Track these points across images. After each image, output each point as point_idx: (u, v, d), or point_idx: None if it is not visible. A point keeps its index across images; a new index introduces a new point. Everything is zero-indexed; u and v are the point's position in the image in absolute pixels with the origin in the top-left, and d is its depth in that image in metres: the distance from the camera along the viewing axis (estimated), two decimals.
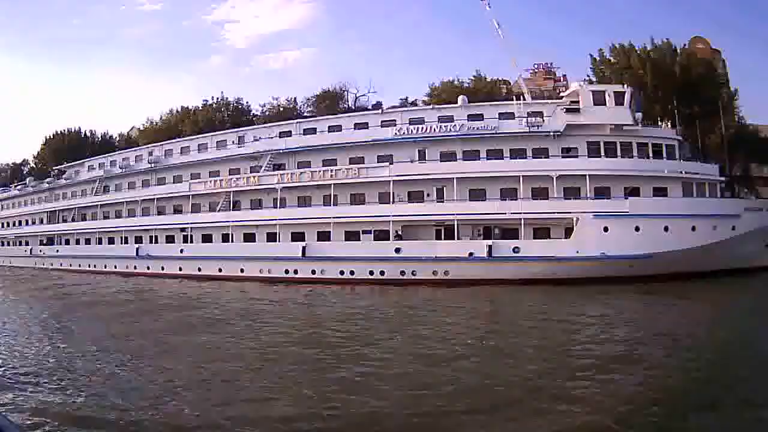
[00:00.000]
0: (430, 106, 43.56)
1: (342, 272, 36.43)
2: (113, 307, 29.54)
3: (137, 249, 48.02)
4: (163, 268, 45.88)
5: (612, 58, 54.84)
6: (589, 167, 34.58)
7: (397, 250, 35.59)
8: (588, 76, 54.36)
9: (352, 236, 38.20)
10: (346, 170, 39.74)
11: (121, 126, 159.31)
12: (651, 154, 35.81)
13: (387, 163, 38.63)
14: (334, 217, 38.43)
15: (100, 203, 53.19)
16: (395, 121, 40.51)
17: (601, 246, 31.90)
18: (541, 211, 33.99)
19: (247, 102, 70.72)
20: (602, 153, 35.56)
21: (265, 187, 43.04)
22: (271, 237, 41.31)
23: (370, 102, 64.30)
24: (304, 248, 38.23)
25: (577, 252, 32.28)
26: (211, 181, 46.42)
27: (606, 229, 32.69)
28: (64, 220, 58.25)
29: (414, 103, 60.03)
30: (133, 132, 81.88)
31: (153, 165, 50.10)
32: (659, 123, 44.93)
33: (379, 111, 45.79)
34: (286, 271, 38.67)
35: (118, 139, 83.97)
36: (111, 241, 52.14)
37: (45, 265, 56.82)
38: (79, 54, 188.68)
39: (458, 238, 35.11)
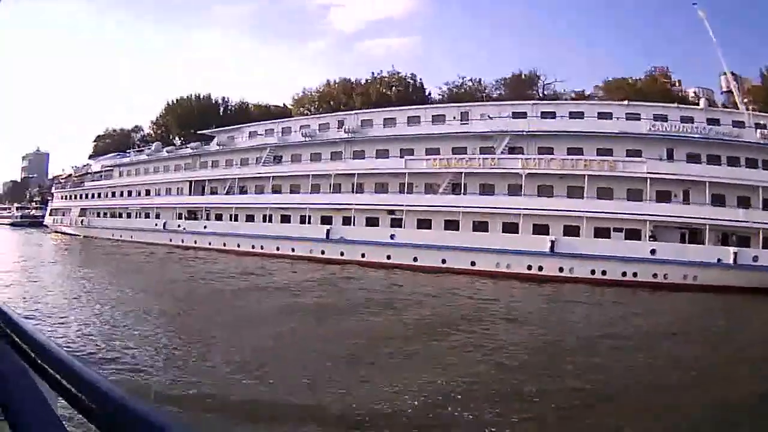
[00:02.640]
0: (675, 105, 40.66)
1: (593, 271, 32.47)
2: (385, 311, 21.18)
3: (327, 231, 40.04)
4: (363, 255, 38.06)
5: None
6: None
7: (653, 252, 32.09)
8: None
9: (600, 233, 34.24)
10: (600, 162, 35.29)
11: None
12: None
13: (638, 158, 35.07)
14: (585, 212, 34.10)
15: (271, 174, 45.23)
16: (639, 114, 37.16)
17: None
18: None
19: (420, 79, 63.68)
20: None
21: (502, 171, 37.19)
22: (507, 227, 35.82)
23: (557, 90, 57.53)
24: (553, 243, 33.62)
25: None
26: (432, 159, 38.78)
27: None
28: (214, 192, 50.28)
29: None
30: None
31: (350, 135, 42.25)
32: None
33: (625, 102, 40.25)
34: (529, 267, 33.90)
35: (251, 109, 77.24)
36: (286, 219, 44.17)
37: (184, 242, 48.82)
38: (181, 24, 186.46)
39: (703, 243, 32.37)
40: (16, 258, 38.19)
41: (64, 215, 71.35)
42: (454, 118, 41.06)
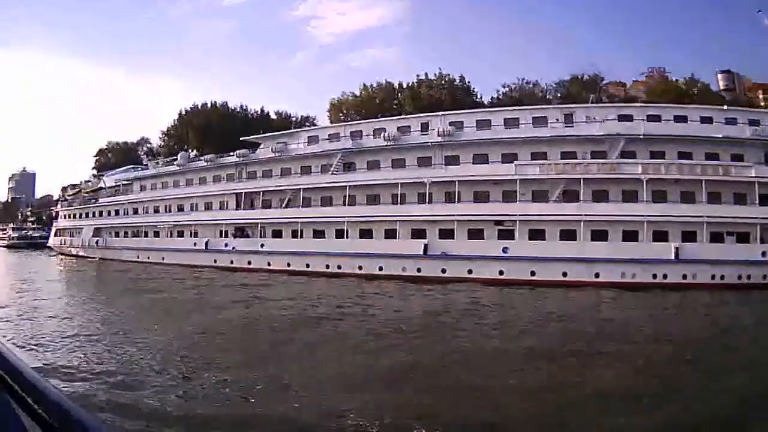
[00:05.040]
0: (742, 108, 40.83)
1: (713, 276, 31.19)
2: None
3: (425, 246, 35.41)
4: (470, 272, 34.17)
5: None
6: None
7: (764, 254, 31.32)
8: None
9: (715, 238, 33.04)
10: (714, 167, 34.26)
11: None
12: None
13: (742, 163, 34.58)
14: (703, 217, 32.82)
15: (347, 183, 40.27)
16: (736, 119, 36.54)
17: None
18: None
19: (468, 81, 60.12)
20: None
21: (619, 176, 34.59)
22: (627, 235, 33.69)
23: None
24: (677, 249, 31.83)
25: None
26: (545, 165, 35.49)
27: None
28: (267, 206, 44.94)
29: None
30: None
31: (444, 139, 37.89)
32: None
33: (724, 107, 39.46)
34: (654, 276, 31.85)
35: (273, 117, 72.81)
36: (365, 234, 39.72)
37: (234, 263, 43.37)
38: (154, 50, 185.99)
39: None
40: (22, 287, 32.01)
41: (72, 235, 64.46)
42: (557, 120, 37.83)
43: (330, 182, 41.36)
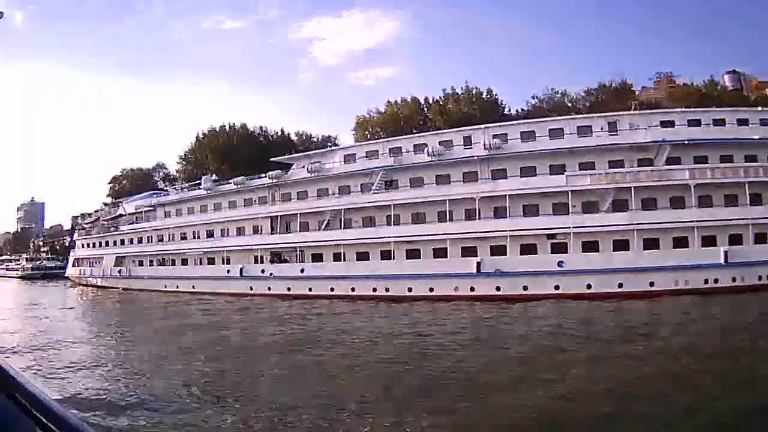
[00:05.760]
0: None
1: (759, 277, 31.42)
2: None
3: (478, 264, 35.00)
4: (526, 288, 34.16)
5: None
6: None
7: None
8: None
9: (761, 239, 32.87)
10: (756, 168, 34.22)
11: None
12: None
13: None
14: (751, 219, 32.81)
15: (391, 202, 39.90)
16: None
17: None
18: None
19: (496, 94, 60.18)
20: None
21: (668, 183, 34.79)
22: (678, 242, 33.72)
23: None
24: (726, 253, 32.04)
25: None
26: (597, 175, 35.33)
27: None
28: (304, 229, 44.05)
29: None
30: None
31: (490, 153, 37.46)
32: None
33: (759, 109, 40.04)
34: (705, 281, 31.90)
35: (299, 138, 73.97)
36: (412, 254, 39.06)
37: (271, 290, 42.48)
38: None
39: None
40: (41, 323, 31.10)
41: (92, 265, 63.26)
42: (602, 128, 37.92)
43: (372, 201, 40.73)
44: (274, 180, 46.96)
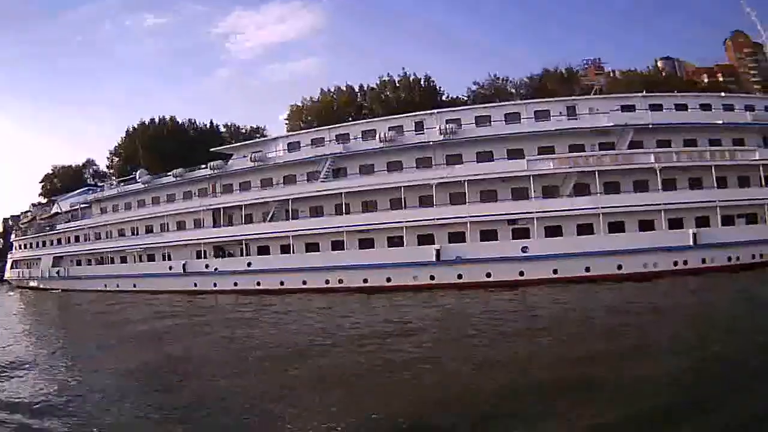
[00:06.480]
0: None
1: (729, 258, 31.69)
2: None
3: (437, 251, 33.29)
4: (489, 275, 32.68)
5: None
6: None
7: None
8: None
9: (729, 221, 33.31)
10: (722, 152, 34.68)
11: None
12: None
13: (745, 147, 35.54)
14: (717, 202, 32.98)
15: (342, 191, 37.45)
16: (733, 105, 37.55)
17: None
18: None
19: (433, 81, 59.06)
20: None
21: (632, 166, 33.94)
22: (644, 225, 33.25)
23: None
24: (695, 235, 31.98)
25: None
26: (558, 159, 34.33)
27: None
28: (248, 221, 41.30)
29: None
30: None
31: (445, 137, 35.57)
32: None
33: (722, 94, 41.52)
34: (675, 263, 31.83)
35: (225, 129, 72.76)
36: (365, 244, 36.88)
37: (217, 286, 39.92)
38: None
39: None
40: None
41: (30, 267, 59.01)
42: (560, 113, 36.51)
43: (322, 190, 38.18)
44: (215, 171, 43.75)
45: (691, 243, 31.49)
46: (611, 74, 63.86)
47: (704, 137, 35.52)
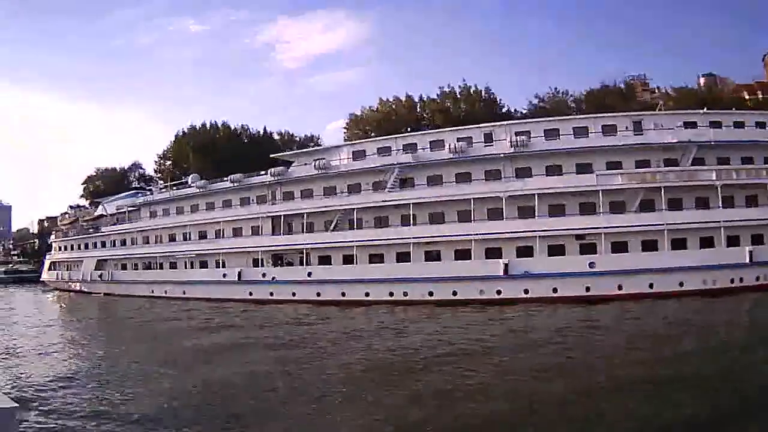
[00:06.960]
0: None
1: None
2: None
3: (506, 265, 33.42)
4: (555, 290, 33.22)
5: None
6: None
7: None
8: None
9: None
10: None
11: None
12: None
13: None
14: None
15: (410, 201, 38.09)
16: None
17: None
18: None
19: (492, 92, 59.81)
20: None
21: (695, 183, 34.60)
22: (704, 242, 33.66)
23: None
24: (751, 253, 32.14)
25: None
26: (627, 174, 35.39)
27: None
28: (310, 230, 41.56)
29: None
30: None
31: (515, 150, 36.07)
32: None
33: None
34: (731, 280, 32.05)
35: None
36: (431, 256, 37.59)
37: (274, 296, 39.95)
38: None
39: None
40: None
41: (70, 269, 59.17)
42: (626, 128, 37.17)
43: (389, 200, 38.65)
44: (276, 177, 44.27)
45: (747, 260, 31.83)
46: (656, 90, 64.48)
47: (759, 155, 35.98)
